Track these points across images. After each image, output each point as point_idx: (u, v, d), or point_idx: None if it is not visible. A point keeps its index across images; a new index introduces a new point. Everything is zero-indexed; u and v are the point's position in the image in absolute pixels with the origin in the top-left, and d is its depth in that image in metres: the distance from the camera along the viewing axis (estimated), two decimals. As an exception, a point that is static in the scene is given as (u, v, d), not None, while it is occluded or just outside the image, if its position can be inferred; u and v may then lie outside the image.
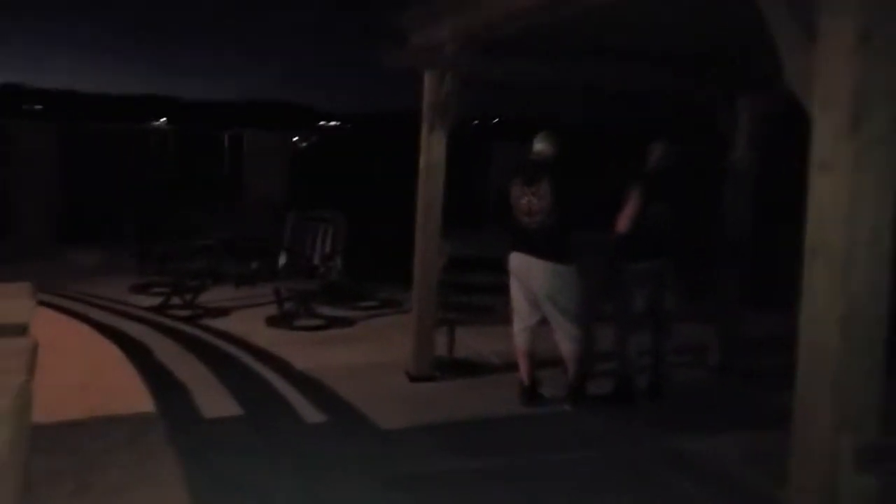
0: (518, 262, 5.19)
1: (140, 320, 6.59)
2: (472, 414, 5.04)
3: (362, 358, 6.25)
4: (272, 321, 7.23)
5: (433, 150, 5.56)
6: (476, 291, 6.14)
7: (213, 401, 4.46)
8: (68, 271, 8.95)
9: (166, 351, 5.46)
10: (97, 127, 12.04)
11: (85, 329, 5.52)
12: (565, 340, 5.24)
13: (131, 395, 4.27)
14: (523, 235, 5.14)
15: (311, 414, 4.74)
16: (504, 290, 5.44)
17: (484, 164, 10.98)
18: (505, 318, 5.66)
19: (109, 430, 3.85)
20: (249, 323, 7.20)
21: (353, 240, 8.05)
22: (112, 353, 4.96)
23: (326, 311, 7.73)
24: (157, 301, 7.56)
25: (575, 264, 5.16)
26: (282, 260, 7.65)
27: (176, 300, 7.49)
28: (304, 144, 13.65)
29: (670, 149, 5.42)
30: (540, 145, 5.21)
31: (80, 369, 4.65)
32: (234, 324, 7.16)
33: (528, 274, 5.14)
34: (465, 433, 4.73)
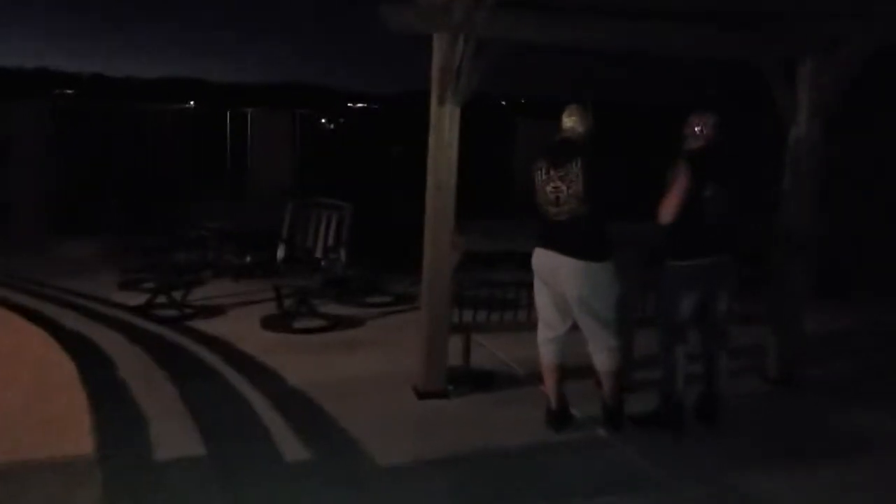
0: (544, 260, 4.33)
1: (116, 325, 5.84)
2: (489, 443, 4.22)
3: (366, 368, 5.45)
4: (269, 322, 6.46)
5: (444, 126, 4.69)
6: (496, 292, 5.28)
7: (173, 434, 3.68)
8: (57, 265, 8.25)
9: (133, 366, 4.70)
10: (94, 106, 11.26)
11: (42, 339, 4.78)
12: (600, 352, 4.39)
13: (72, 429, 3.51)
14: (550, 229, 4.27)
15: (292, 448, 3.94)
16: (529, 289, 4.60)
17: (508, 145, 10.00)
18: (530, 323, 4.82)
19: (30, 483, 3.09)
20: (243, 324, 6.43)
21: (369, 228, 7.26)
22: (65, 371, 4.21)
23: (332, 308, 6.95)
24: (145, 299, 6.82)
25: (612, 262, 4.29)
26: (280, 252, 6.86)
27: (163, 299, 6.73)
28: (332, 126, 13.21)
29: (719, 121, 4.49)
30: (569, 121, 4.33)
31: (18, 395, 3.90)
32: (226, 325, 6.39)
33: (555, 274, 4.28)
34: (481, 469, 3.90)
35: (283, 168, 9.29)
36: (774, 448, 4.34)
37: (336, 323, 6.56)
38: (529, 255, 4.45)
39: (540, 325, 4.48)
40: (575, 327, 4.40)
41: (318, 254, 6.70)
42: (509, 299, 5.37)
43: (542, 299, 4.42)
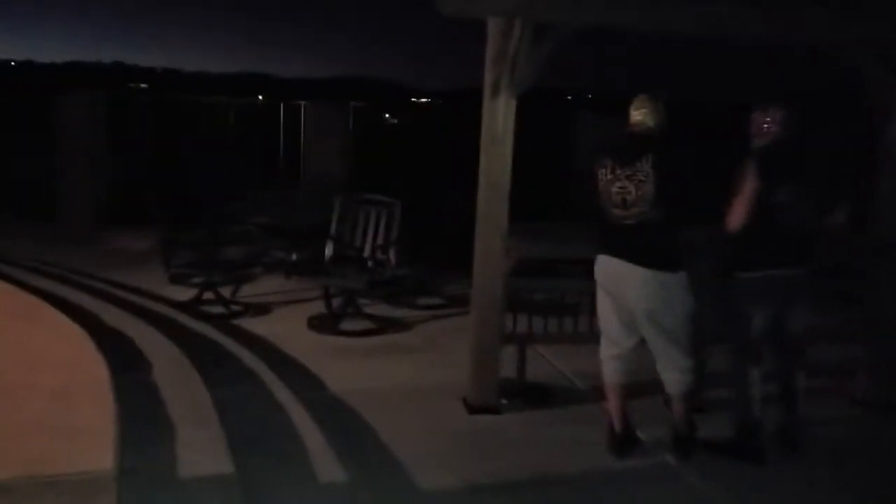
0: (608, 269, 3.91)
1: (159, 322, 5.64)
2: (544, 467, 3.84)
3: (412, 377, 5.11)
4: (315, 323, 6.18)
5: (497, 119, 4.30)
6: (554, 298, 4.87)
7: (201, 448, 3.41)
8: (110, 257, 8.16)
9: (169, 368, 4.46)
10: (149, 98, 11.21)
11: (77, 337, 4.59)
12: (670, 372, 3.96)
13: (93, 440, 3.26)
14: (615, 234, 3.85)
15: (328, 468, 3.63)
16: (591, 298, 4.20)
17: (569, 142, 9.46)
18: (591, 336, 4.42)
19: (39, 500, 2.85)
20: (289, 323, 6.17)
21: (424, 225, 6.93)
22: (96, 374, 3.99)
23: (381, 309, 6.64)
24: (193, 294, 6.63)
25: (685, 273, 3.85)
26: (328, 250, 6.57)
27: (210, 295, 6.53)
28: (395, 121, 13.09)
29: (789, 115, 4.00)
30: (638, 114, 3.89)
31: (41, 400, 3.68)
32: (271, 325, 6.15)
33: (621, 285, 3.86)
34: (533, 498, 3.53)
35: (337, 163, 9.03)
36: (866, 479, 3.85)
37: (384, 326, 6.25)
38: (591, 262, 4.05)
39: (603, 340, 4.07)
40: (642, 343, 3.98)
41: (367, 253, 6.40)
42: (568, 307, 4.96)
43: (605, 312, 4.00)
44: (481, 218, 4.40)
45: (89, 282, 6.91)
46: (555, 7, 4.06)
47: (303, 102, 9.46)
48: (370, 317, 6.36)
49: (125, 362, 4.44)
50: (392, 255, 6.34)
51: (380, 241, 6.38)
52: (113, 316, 5.59)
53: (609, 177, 3.83)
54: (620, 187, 3.79)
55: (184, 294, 6.71)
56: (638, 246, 3.80)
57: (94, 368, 4.14)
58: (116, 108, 9.84)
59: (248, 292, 6.94)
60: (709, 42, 5.02)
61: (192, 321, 5.96)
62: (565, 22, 4.20)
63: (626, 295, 3.86)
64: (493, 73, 4.21)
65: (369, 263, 6.19)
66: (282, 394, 4.49)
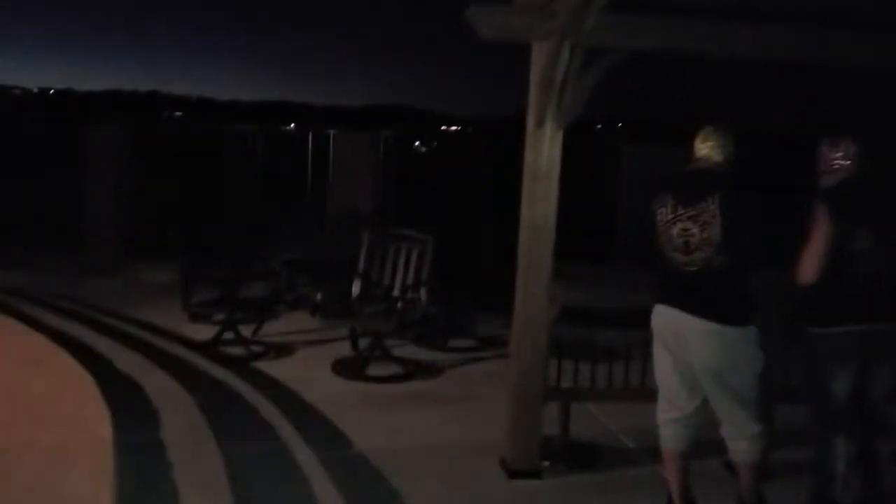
0: (668, 320, 3.46)
1: (173, 366, 5.29)
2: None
3: (444, 431, 4.67)
4: (340, 367, 5.79)
5: (542, 152, 3.90)
6: (602, 353, 4.42)
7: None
8: (131, 291, 7.88)
9: (179, 423, 4.08)
10: (177, 128, 11.04)
11: (82, 385, 4.24)
12: (738, 440, 3.50)
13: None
14: (676, 281, 3.42)
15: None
16: (645, 352, 3.75)
17: (608, 175, 8.89)
18: (644, 392, 3.97)
19: None
20: (312, 367, 5.79)
21: (456, 260, 6.55)
22: (98, 430, 3.63)
23: (410, 351, 6.23)
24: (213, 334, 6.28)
25: (754, 326, 3.40)
26: (355, 288, 6.19)
27: (230, 335, 6.17)
28: (424, 149, 12.81)
29: (868, 149, 3.53)
30: (704, 147, 3.47)
31: (34, 462, 3.31)
32: (294, 368, 5.77)
33: (682, 339, 3.41)
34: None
35: (366, 195, 8.68)
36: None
37: (413, 371, 5.83)
38: (645, 313, 3.61)
39: (660, 401, 3.61)
40: (706, 402, 3.52)
41: (396, 292, 6.00)
42: (618, 356, 4.50)
43: (663, 370, 3.55)
44: (523, 262, 3.99)
45: (107, 319, 6.61)
46: (608, 30, 3.65)
47: (331, 131, 9.14)
48: (399, 360, 5.95)
49: (133, 416, 4.09)
50: (423, 295, 5.93)
51: (410, 279, 5.98)
52: (126, 360, 5.25)
53: (670, 217, 3.40)
54: (683, 229, 3.37)
55: (203, 333, 6.35)
56: (702, 296, 3.36)
57: (98, 425, 3.79)
58: (144, 138, 9.64)
59: (272, 330, 6.58)
60: (770, 64, 4.58)
61: (210, 364, 5.60)
62: (621, 46, 3.79)
63: (688, 351, 3.41)
64: (538, 102, 3.81)
65: (399, 304, 5.78)
66: (301, 453, 4.08)
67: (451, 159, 12.33)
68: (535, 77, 3.87)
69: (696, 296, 3.37)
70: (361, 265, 6.23)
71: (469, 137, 18.96)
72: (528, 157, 3.93)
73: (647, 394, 3.87)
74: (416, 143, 13.48)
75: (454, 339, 6.63)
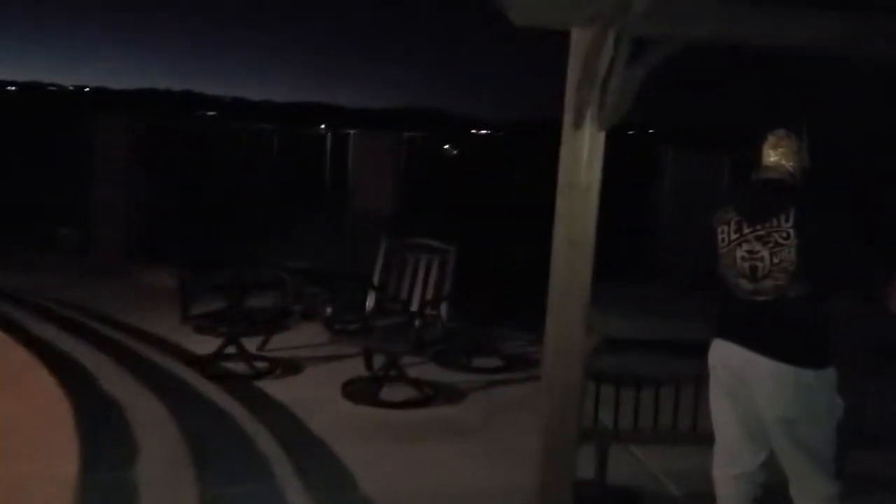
0: (729, 360, 2.91)
1: (165, 386, 4.81)
2: None
3: (463, 470, 4.14)
4: (351, 388, 5.28)
5: (581, 157, 3.35)
6: (646, 385, 3.85)
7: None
8: (136, 296, 7.45)
9: (162, 458, 3.59)
10: (185, 124, 10.62)
11: (56, 411, 3.78)
12: (809, 501, 2.92)
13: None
14: (741, 313, 2.87)
15: None
16: (697, 387, 3.20)
17: (649, 184, 8.08)
18: (696, 438, 3.42)
19: None
20: (321, 388, 5.29)
21: (479, 271, 6.04)
22: (63, 465, 3.16)
23: (429, 371, 5.71)
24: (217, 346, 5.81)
25: (833, 368, 2.84)
26: (370, 302, 5.69)
27: (233, 349, 5.69)
28: (454, 153, 12.32)
29: None
30: (775, 154, 2.93)
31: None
32: (300, 388, 5.28)
33: (746, 382, 2.87)
34: None
35: (385, 200, 8.17)
36: None
37: (431, 395, 5.30)
38: (698, 346, 3.07)
39: (718, 454, 3.06)
40: (773, 456, 2.97)
41: (414, 307, 5.48)
42: (664, 394, 3.93)
43: (722, 416, 3.00)
44: (556, 283, 3.44)
45: (100, 327, 6.16)
46: (662, 16, 3.10)
47: (350, 132, 8.65)
48: (416, 382, 5.42)
49: (107, 448, 3.60)
50: (444, 311, 5.41)
51: (430, 294, 5.46)
52: (113, 378, 4.78)
53: (734, 237, 2.86)
54: (749, 251, 2.82)
55: (205, 345, 5.89)
56: (772, 331, 2.81)
57: (63, 459, 3.30)
58: (157, 137, 9.23)
59: (280, 344, 6.11)
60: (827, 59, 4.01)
61: (206, 384, 5.11)
62: (673, 36, 3.24)
63: (754, 396, 2.86)
64: (577, 100, 3.27)
65: (416, 321, 5.25)
66: (296, 496, 3.57)
67: (479, 164, 11.81)
68: (573, 71, 3.32)
69: (766, 331, 2.82)
70: (377, 276, 5.72)
71: (499, 141, 18.32)
72: (564, 163, 3.38)
73: (700, 439, 3.32)
74: (446, 146, 12.95)
75: (478, 358, 6.09)
